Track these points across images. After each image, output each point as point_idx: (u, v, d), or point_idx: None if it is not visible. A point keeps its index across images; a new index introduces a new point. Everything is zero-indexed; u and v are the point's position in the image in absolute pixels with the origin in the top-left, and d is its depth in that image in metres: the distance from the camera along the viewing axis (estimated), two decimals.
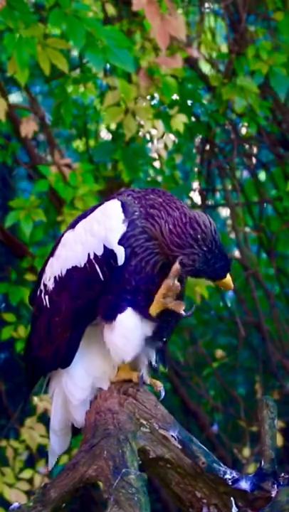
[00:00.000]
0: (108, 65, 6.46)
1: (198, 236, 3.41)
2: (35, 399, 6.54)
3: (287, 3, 6.78)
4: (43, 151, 7.51)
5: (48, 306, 3.59)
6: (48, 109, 7.24)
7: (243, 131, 7.34)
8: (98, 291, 3.46)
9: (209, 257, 3.41)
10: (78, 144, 7.54)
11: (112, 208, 3.48)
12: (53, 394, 3.74)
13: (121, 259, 3.43)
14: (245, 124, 6.93)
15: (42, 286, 3.63)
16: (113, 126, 6.81)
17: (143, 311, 3.45)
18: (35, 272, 6.20)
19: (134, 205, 3.47)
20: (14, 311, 6.74)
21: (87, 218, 3.53)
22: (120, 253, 3.43)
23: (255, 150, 7.76)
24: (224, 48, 7.45)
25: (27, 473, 6.62)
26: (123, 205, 3.46)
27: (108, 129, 7.01)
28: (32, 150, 6.96)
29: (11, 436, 7.11)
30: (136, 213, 3.46)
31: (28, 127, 6.36)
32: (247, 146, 7.64)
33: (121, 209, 3.46)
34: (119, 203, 3.48)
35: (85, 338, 3.57)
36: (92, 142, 7.36)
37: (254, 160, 7.76)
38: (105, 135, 7.45)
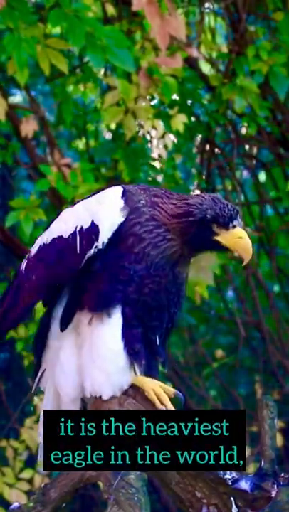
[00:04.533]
0: (108, 65, 6.46)
1: (199, 199, 3.47)
2: (35, 399, 6.54)
3: (287, 3, 6.78)
4: (43, 151, 7.51)
5: (24, 270, 3.62)
6: (48, 109, 7.24)
7: (243, 131, 7.34)
8: (68, 269, 3.47)
9: (216, 200, 3.44)
10: (78, 144, 7.54)
11: (114, 192, 3.52)
12: (46, 386, 3.73)
13: (103, 237, 3.44)
14: (245, 124, 6.93)
15: (27, 254, 3.67)
16: (113, 126, 6.81)
17: (134, 306, 3.46)
18: None
19: (139, 194, 3.50)
20: None
21: (89, 198, 3.59)
22: (104, 231, 3.44)
23: (255, 150, 7.76)
24: (224, 48, 7.45)
25: (27, 473, 6.62)
26: (124, 192, 3.49)
27: (108, 128, 7.01)
28: (32, 150, 6.96)
29: (11, 436, 7.11)
30: (142, 201, 3.49)
31: (28, 127, 6.37)
32: (247, 146, 7.64)
33: (121, 194, 3.49)
34: (121, 188, 3.51)
35: (80, 337, 3.56)
36: (92, 142, 7.37)
37: (254, 160, 7.76)
38: (107, 134, 7.45)
